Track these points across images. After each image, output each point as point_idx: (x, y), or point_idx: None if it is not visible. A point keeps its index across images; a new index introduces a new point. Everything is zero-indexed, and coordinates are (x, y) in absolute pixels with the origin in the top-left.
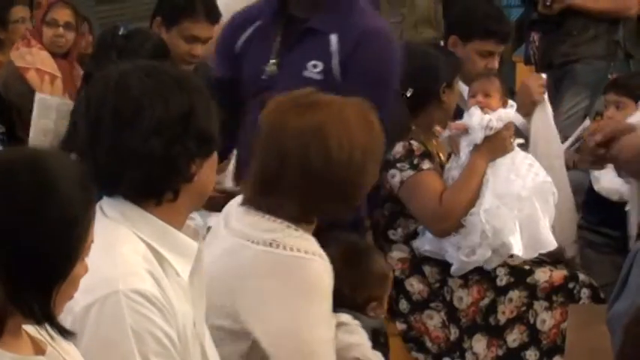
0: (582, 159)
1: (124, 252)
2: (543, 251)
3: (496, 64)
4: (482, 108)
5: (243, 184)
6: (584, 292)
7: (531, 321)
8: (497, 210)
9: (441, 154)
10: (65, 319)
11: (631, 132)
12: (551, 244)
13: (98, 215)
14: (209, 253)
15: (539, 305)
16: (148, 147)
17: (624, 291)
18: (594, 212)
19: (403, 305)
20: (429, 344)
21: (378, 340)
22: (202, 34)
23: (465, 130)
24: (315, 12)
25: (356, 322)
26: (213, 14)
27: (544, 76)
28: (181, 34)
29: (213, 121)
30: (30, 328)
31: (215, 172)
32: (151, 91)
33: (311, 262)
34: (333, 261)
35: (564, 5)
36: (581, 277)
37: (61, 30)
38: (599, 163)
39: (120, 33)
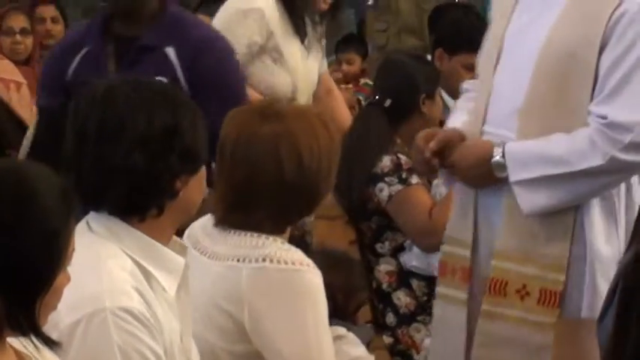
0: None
1: (111, 268)
2: None
3: None
4: None
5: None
6: None
7: None
8: None
9: None
10: (51, 335)
11: (463, 139)
12: None
13: (84, 230)
14: (193, 284)
15: None
16: (130, 162)
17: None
18: None
19: (390, 318)
20: (416, 357)
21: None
22: None
23: None
24: (143, 29)
25: (350, 333)
26: None
27: None
28: None
29: (200, 137)
30: (15, 342)
31: (203, 188)
32: (135, 105)
33: (307, 273)
34: (321, 270)
35: None
36: None
37: (18, 37)
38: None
39: None
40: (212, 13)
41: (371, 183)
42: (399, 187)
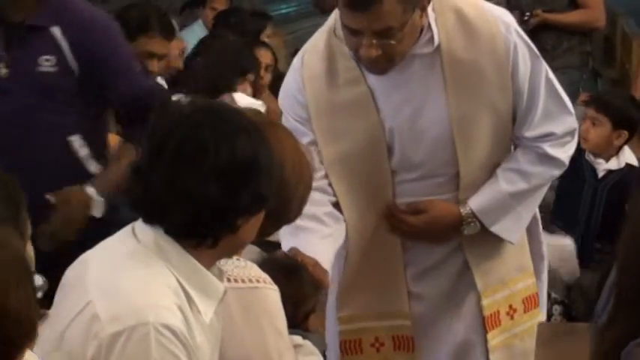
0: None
1: (157, 284)
2: None
3: None
4: None
5: None
6: (556, 309)
7: None
8: None
9: None
10: (90, 343)
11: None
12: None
13: (129, 235)
14: None
15: None
16: (204, 190)
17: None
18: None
19: None
20: None
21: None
22: (158, 50)
23: None
24: (27, 11)
25: (307, 341)
26: (168, 30)
27: None
28: (137, 50)
29: (273, 180)
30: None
31: (257, 228)
32: (221, 134)
33: (264, 289)
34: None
35: (541, 20)
36: (553, 294)
37: None
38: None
39: None
40: (196, 17)
41: None
42: None
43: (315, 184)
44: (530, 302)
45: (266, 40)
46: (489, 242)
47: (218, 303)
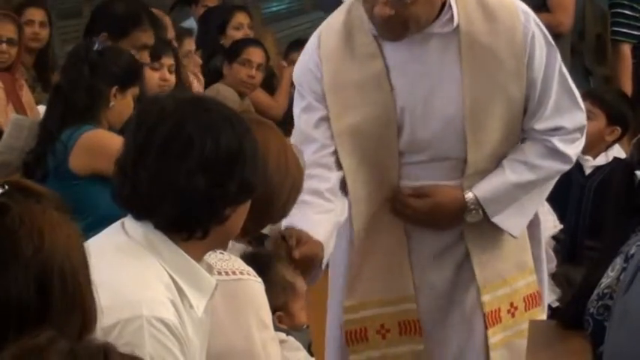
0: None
1: (150, 278)
2: None
3: None
4: None
5: None
6: None
7: None
8: None
9: None
10: None
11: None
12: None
13: (118, 231)
14: None
15: None
16: (191, 183)
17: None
18: None
19: None
20: None
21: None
22: (149, 41)
23: None
24: None
25: (291, 337)
26: (154, 20)
27: None
28: (133, 44)
29: (259, 168)
30: None
31: (245, 217)
32: (205, 126)
33: (248, 281)
34: None
35: None
36: None
37: (4, 46)
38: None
39: (95, 48)
40: (186, 15)
41: None
42: None
43: (320, 160)
44: (531, 300)
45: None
46: (491, 235)
47: (210, 297)
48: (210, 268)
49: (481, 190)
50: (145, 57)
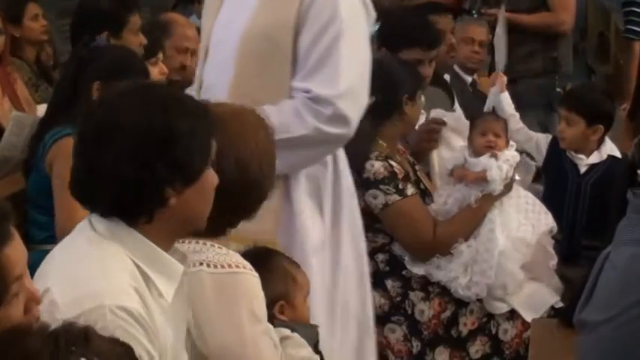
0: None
1: (112, 268)
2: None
3: (429, 71)
4: (489, 147)
5: None
6: None
7: (493, 332)
8: (512, 253)
9: (407, 169)
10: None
11: None
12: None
13: (86, 228)
14: None
15: (500, 316)
16: (118, 169)
17: (592, 299)
18: None
19: None
20: (391, 358)
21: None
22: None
23: (484, 180)
24: None
25: (295, 334)
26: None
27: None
28: (131, 28)
29: (198, 146)
30: None
31: (208, 198)
32: (133, 112)
33: (243, 274)
34: None
35: (492, 16)
36: None
37: None
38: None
39: (91, 45)
40: (188, 14)
41: (361, 187)
42: (396, 197)
43: None
44: None
45: None
46: None
47: (178, 283)
48: (183, 258)
49: None
50: (142, 39)
